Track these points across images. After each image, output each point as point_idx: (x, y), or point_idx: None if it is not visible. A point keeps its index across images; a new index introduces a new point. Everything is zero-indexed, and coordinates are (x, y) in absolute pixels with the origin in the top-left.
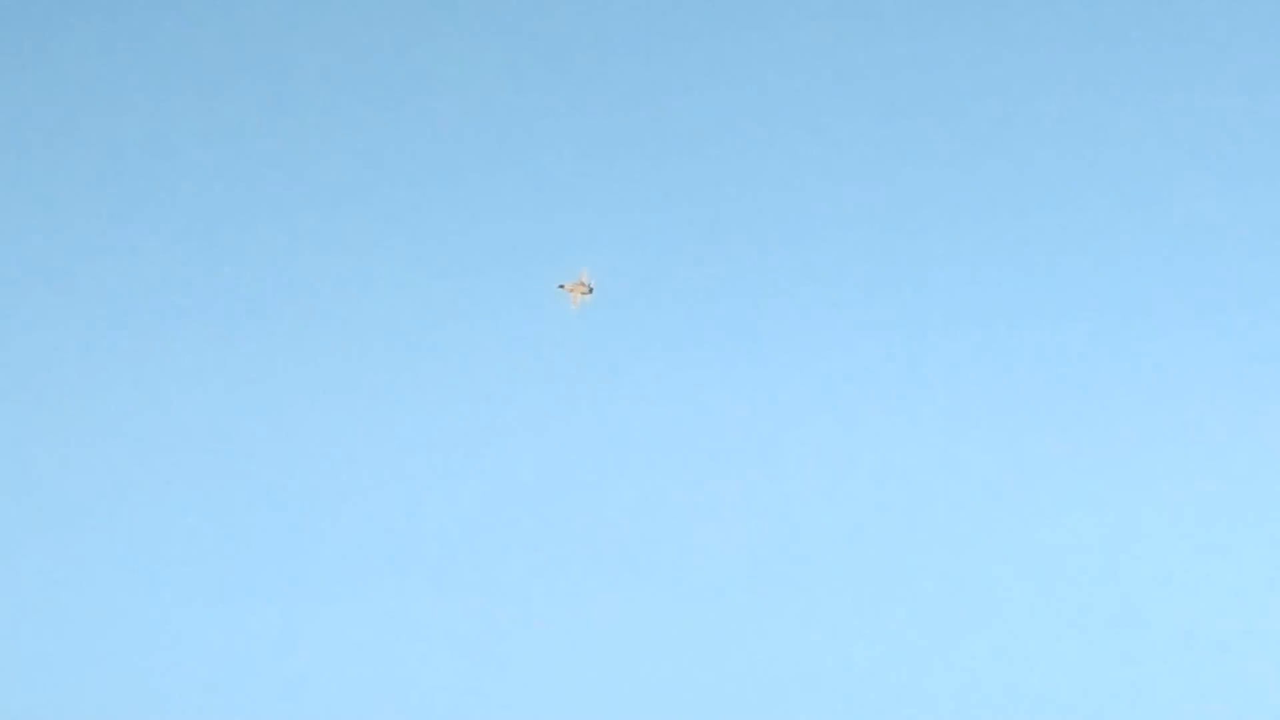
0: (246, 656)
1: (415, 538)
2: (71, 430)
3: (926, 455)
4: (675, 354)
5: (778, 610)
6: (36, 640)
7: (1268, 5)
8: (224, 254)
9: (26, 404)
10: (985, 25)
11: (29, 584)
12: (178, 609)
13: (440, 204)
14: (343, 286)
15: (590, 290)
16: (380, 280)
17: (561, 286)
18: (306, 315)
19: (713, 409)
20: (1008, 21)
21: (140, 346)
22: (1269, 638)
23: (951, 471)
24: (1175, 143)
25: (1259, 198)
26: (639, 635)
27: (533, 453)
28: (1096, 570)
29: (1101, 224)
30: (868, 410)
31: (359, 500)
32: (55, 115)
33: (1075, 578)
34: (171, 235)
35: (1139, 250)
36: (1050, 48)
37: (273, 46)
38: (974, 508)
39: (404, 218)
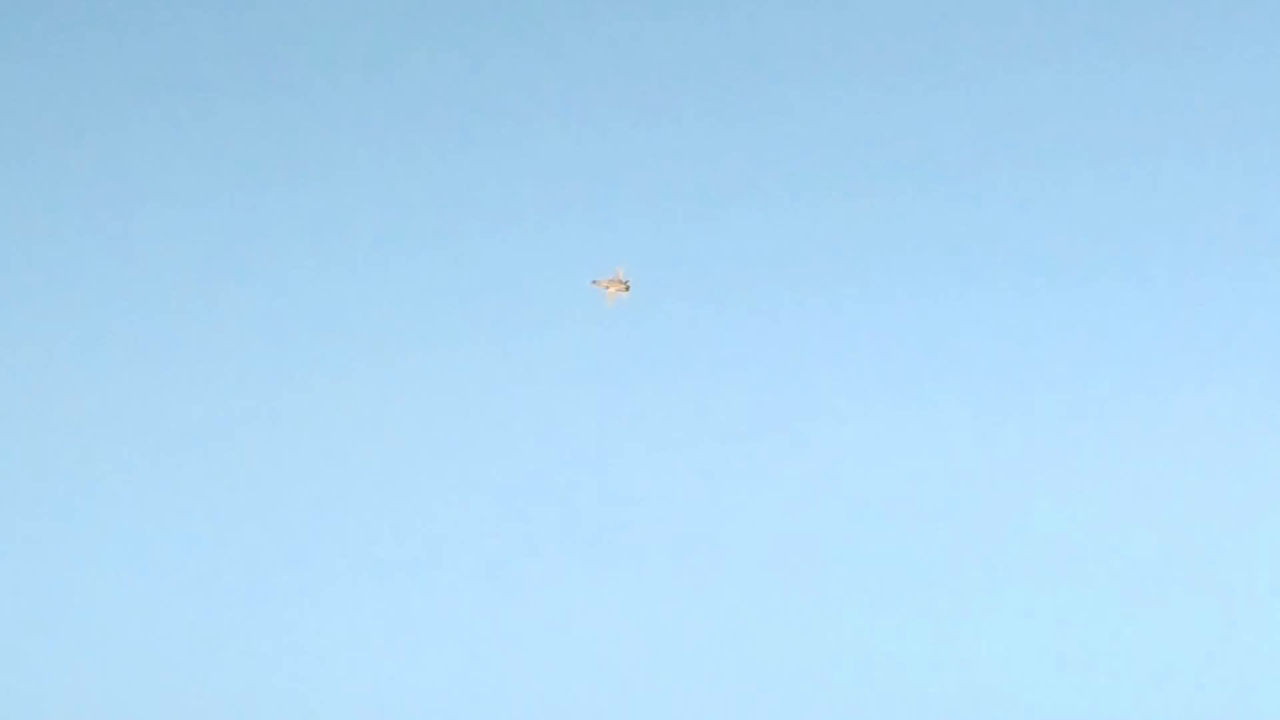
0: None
1: (438, 540)
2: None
3: (965, 458)
4: (710, 353)
5: (801, 616)
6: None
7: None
8: (250, 263)
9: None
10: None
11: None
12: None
13: (472, 199)
14: (375, 286)
15: (626, 288)
16: (408, 280)
17: (595, 283)
18: (327, 318)
19: (745, 410)
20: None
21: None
22: (1269, 637)
23: (988, 473)
24: (1181, 147)
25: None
26: (663, 636)
27: (564, 451)
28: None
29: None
30: (893, 410)
31: (378, 506)
32: (56, 114)
33: (1081, 583)
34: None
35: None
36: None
37: (316, 58)
38: (1004, 510)
39: (433, 214)
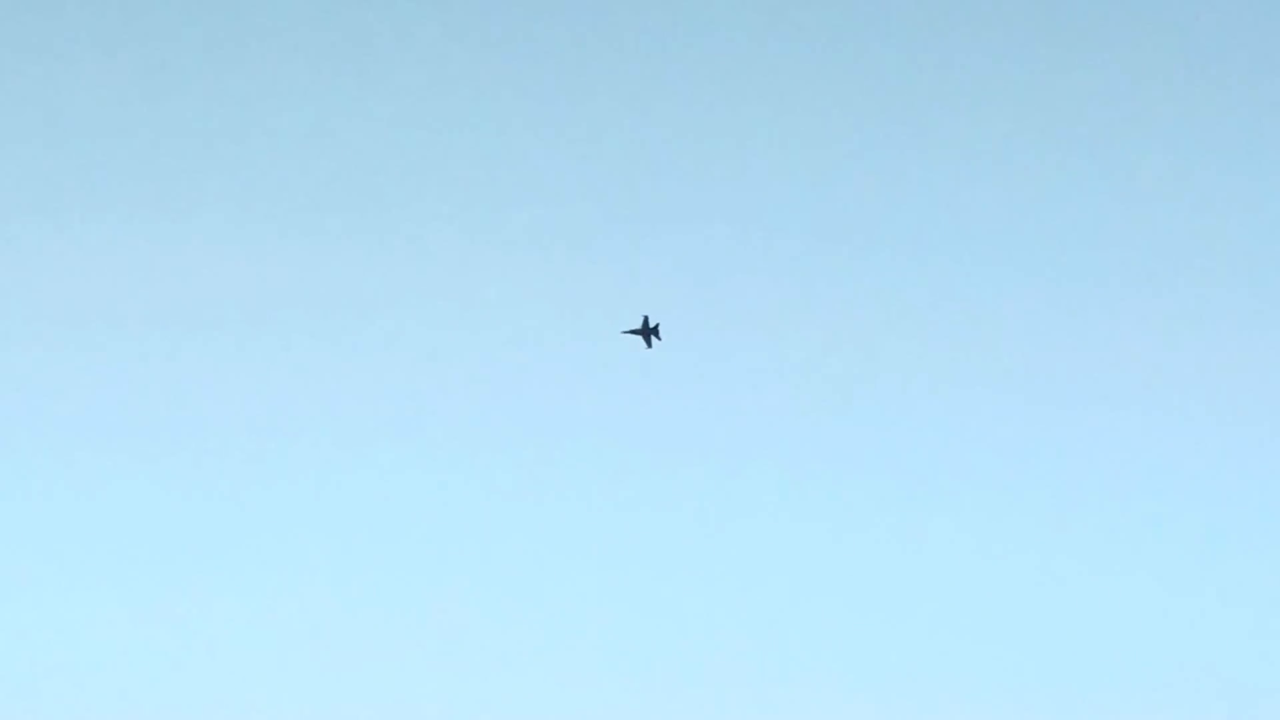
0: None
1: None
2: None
3: (991, 480)
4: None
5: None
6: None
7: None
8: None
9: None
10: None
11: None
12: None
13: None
14: (434, 332)
15: (652, 332)
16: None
17: (626, 332)
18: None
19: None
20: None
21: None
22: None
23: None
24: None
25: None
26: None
27: (622, 479)
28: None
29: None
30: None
31: (421, 533)
32: (57, 113)
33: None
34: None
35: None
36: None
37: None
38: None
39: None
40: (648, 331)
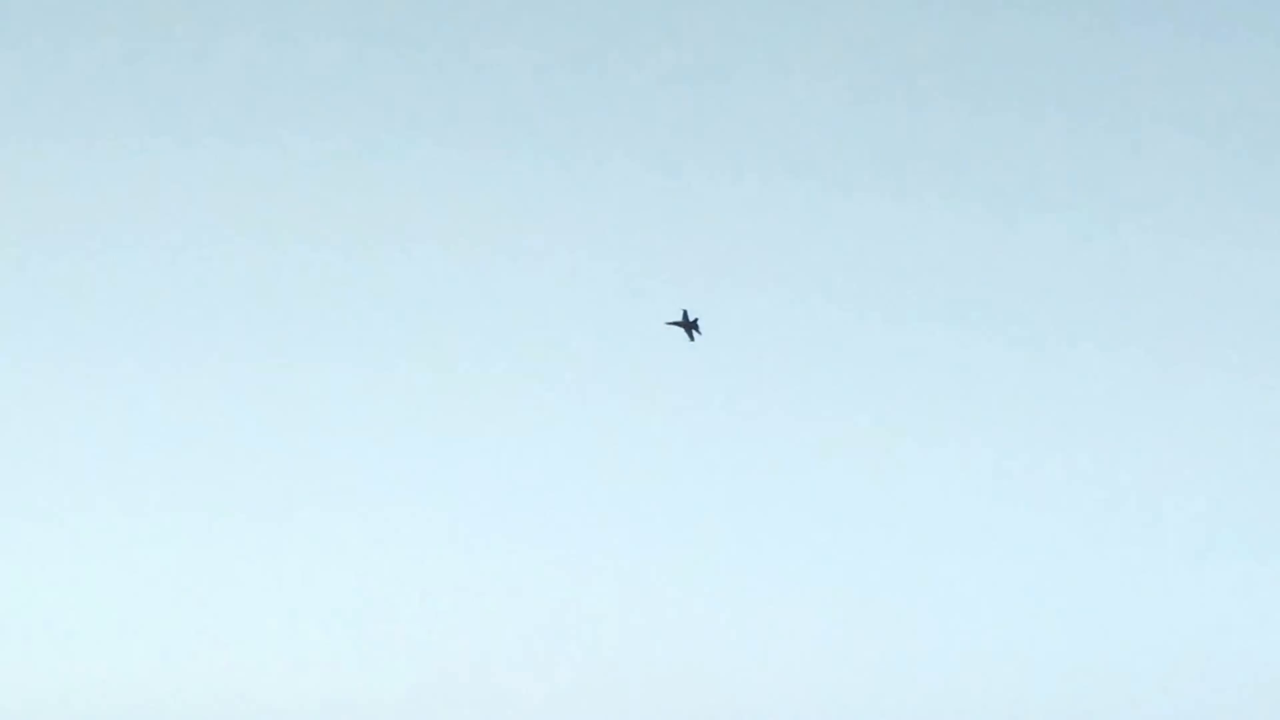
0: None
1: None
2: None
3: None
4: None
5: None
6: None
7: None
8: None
9: None
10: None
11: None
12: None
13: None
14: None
15: (693, 326)
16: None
17: (670, 323)
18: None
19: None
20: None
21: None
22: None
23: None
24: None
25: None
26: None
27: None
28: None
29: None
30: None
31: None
32: (55, 113)
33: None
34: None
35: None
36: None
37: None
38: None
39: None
40: (689, 325)
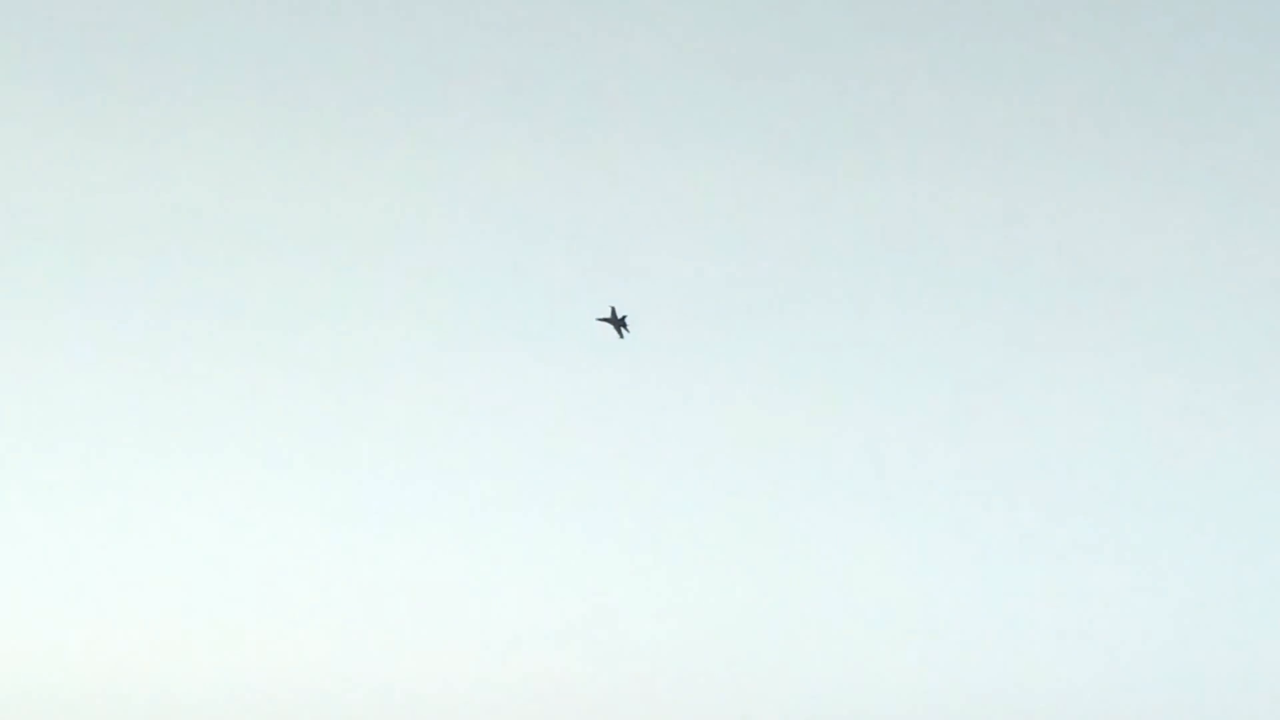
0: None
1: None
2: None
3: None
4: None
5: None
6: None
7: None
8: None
9: None
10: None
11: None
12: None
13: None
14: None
15: (620, 323)
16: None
17: (600, 319)
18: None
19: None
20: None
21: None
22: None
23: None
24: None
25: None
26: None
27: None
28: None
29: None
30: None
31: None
32: (55, 112)
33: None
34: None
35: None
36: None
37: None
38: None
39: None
40: (617, 322)
